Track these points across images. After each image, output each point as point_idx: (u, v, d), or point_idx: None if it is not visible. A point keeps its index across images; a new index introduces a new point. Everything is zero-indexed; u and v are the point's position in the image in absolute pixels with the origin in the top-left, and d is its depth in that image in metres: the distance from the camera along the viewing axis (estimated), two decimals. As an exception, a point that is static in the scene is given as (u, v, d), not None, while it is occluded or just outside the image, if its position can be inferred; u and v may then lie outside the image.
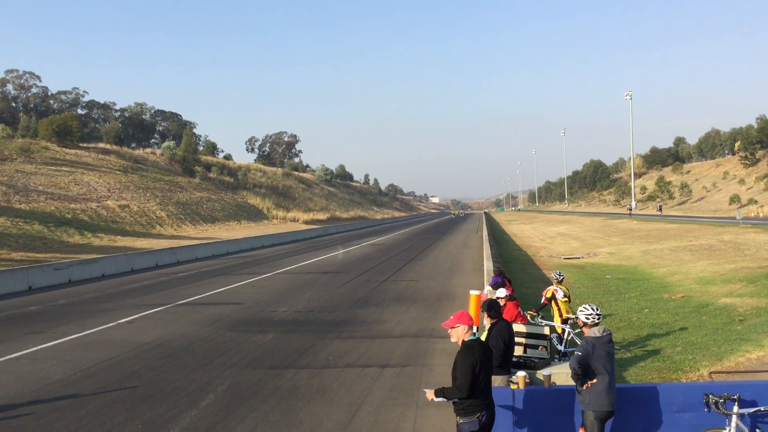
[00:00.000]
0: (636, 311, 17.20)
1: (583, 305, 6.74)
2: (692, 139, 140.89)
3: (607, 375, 6.35)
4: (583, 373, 6.32)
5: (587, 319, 6.60)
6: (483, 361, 6.00)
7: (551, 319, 12.38)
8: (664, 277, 24.35)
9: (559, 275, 13.04)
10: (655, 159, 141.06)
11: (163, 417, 9.14)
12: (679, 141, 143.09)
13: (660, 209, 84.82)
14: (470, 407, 5.98)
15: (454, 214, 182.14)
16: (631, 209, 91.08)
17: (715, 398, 6.49)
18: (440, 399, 6.06)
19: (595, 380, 6.33)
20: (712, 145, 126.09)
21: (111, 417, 9.17)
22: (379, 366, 11.84)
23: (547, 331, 8.84)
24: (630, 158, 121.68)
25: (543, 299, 12.82)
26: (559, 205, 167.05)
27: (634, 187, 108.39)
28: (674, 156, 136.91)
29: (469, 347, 6.07)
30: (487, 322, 7.98)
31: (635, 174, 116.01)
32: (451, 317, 6.24)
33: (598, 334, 6.48)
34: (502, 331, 7.79)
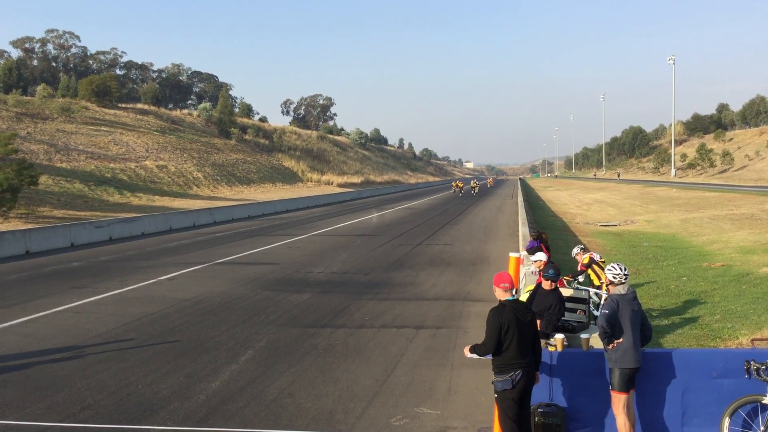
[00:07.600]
0: (674, 279, 16.99)
1: (611, 264, 6.85)
2: (736, 106, 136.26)
3: (631, 333, 6.47)
4: (611, 331, 6.40)
5: (614, 278, 6.67)
6: (515, 321, 6.04)
7: (588, 285, 12.24)
8: (704, 245, 23.96)
9: (582, 248, 12.79)
10: (697, 126, 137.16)
11: (204, 370, 9.38)
12: (722, 107, 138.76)
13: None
14: (503, 366, 6.06)
15: (458, 188, 76.70)
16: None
17: (757, 365, 6.44)
18: (473, 355, 6.30)
19: (621, 339, 6.41)
20: (757, 113, 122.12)
21: (154, 369, 9.45)
22: (414, 327, 11.94)
23: (585, 295, 8.82)
24: (671, 125, 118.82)
25: (579, 266, 12.65)
26: (597, 172, 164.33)
27: (675, 154, 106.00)
28: (717, 123, 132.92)
29: (500, 307, 6.19)
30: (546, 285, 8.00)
31: (676, 141, 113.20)
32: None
33: (622, 292, 6.59)
34: (563, 300, 7.89)
